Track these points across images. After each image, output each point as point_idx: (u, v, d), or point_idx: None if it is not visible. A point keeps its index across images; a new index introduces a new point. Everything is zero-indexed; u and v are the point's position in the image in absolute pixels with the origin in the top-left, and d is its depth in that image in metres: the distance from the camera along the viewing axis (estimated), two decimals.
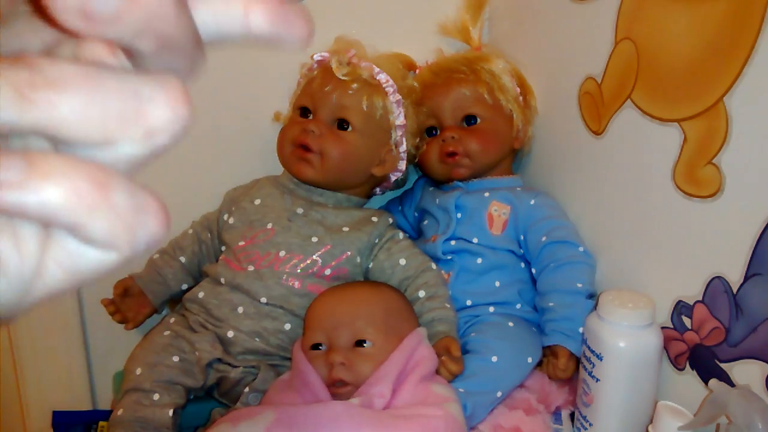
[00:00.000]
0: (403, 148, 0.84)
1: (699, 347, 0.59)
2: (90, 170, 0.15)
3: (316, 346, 0.69)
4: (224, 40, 0.18)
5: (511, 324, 0.75)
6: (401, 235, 0.82)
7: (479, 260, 0.79)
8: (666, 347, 0.63)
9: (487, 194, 0.82)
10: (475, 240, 0.80)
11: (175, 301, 0.84)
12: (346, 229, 0.79)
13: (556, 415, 0.70)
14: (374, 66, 0.81)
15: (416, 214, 0.91)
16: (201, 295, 0.77)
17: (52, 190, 0.14)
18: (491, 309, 0.77)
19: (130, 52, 0.17)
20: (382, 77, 0.80)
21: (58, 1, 0.15)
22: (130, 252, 0.16)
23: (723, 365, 0.56)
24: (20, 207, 0.14)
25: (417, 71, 0.89)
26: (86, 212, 0.15)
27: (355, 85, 0.79)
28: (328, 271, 0.77)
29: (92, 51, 0.17)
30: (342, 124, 0.80)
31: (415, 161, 0.88)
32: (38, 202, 0.14)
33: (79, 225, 0.15)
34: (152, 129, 0.16)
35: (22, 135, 0.16)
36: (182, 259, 0.83)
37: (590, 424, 0.64)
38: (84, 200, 0.15)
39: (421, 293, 0.76)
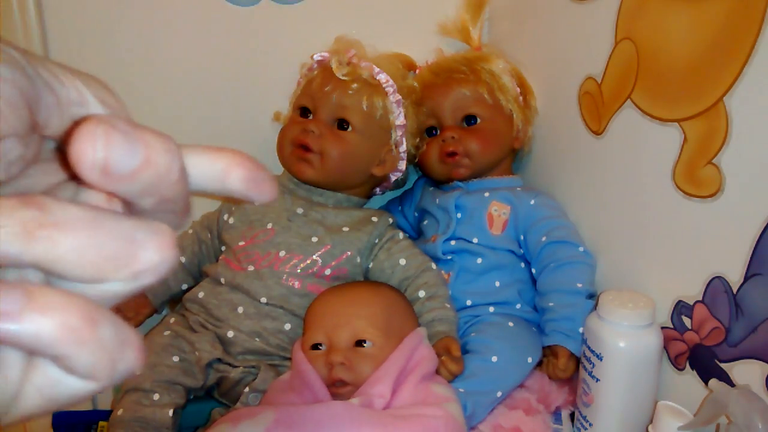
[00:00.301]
0: (403, 148, 0.84)
1: (699, 347, 0.59)
2: (82, 305, 0.16)
3: (316, 346, 0.69)
4: (202, 192, 0.21)
5: (511, 324, 0.75)
6: (401, 235, 0.82)
7: (479, 260, 0.79)
8: (666, 347, 0.63)
9: (487, 194, 0.82)
10: (475, 240, 0.80)
11: (175, 301, 0.84)
12: (346, 229, 0.79)
13: (556, 415, 0.70)
14: (374, 66, 0.81)
15: (416, 214, 0.91)
16: (201, 295, 0.77)
17: (46, 323, 0.15)
18: (491, 309, 0.77)
19: (128, 203, 0.18)
20: (382, 77, 0.80)
21: (85, 156, 0.16)
22: (108, 382, 0.17)
23: (723, 365, 0.56)
24: (15, 337, 0.15)
25: (417, 71, 0.89)
26: (75, 345, 0.16)
27: (355, 85, 0.79)
28: (328, 271, 0.77)
29: (93, 197, 0.18)
30: (342, 124, 0.80)
31: (415, 161, 0.88)
32: (32, 334, 0.15)
33: (66, 357, 0.16)
34: (141, 271, 0.17)
35: (20, 267, 0.16)
36: (182, 259, 0.83)
37: (590, 424, 0.64)
38: (74, 334, 0.16)
39: (421, 293, 0.76)
